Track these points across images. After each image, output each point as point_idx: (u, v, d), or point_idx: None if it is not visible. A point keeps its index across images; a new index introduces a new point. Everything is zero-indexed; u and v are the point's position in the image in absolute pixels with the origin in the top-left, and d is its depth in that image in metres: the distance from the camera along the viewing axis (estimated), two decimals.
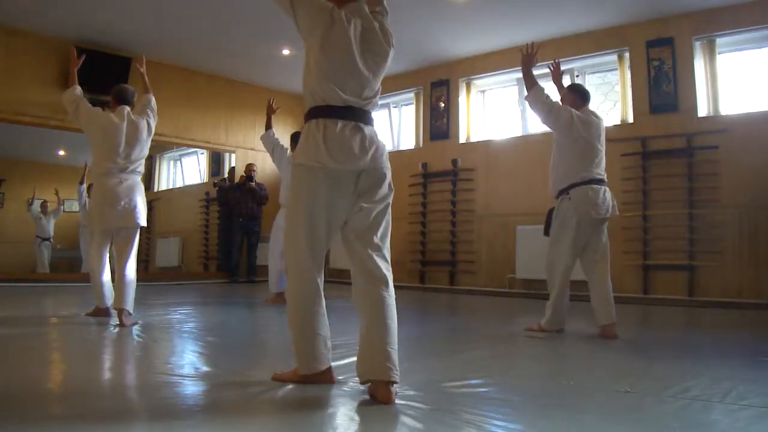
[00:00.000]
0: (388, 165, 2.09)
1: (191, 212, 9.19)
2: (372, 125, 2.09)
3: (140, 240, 3.86)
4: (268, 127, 5.02)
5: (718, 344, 3.44)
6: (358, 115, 2.03)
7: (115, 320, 3.70)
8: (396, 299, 2.09)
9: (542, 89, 3.68)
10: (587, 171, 3.55)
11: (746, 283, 5.28)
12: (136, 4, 5.88)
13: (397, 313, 2.06)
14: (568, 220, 3.57)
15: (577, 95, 3.75)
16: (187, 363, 2.53)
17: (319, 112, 2.01)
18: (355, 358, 2.05)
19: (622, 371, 2.58)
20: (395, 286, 2.13)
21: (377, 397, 1.91)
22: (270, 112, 4.99)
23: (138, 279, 3.81)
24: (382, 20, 2.13)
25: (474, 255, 7.03)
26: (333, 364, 2.16)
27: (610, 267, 3.63)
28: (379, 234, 2.05)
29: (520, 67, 3.84)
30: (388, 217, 2.10)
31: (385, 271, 2.03)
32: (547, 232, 3.78)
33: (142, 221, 3.76)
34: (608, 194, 3.61)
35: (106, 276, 3.85)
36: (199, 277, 8.34)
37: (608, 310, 3.48)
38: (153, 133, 3.90)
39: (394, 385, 1.94)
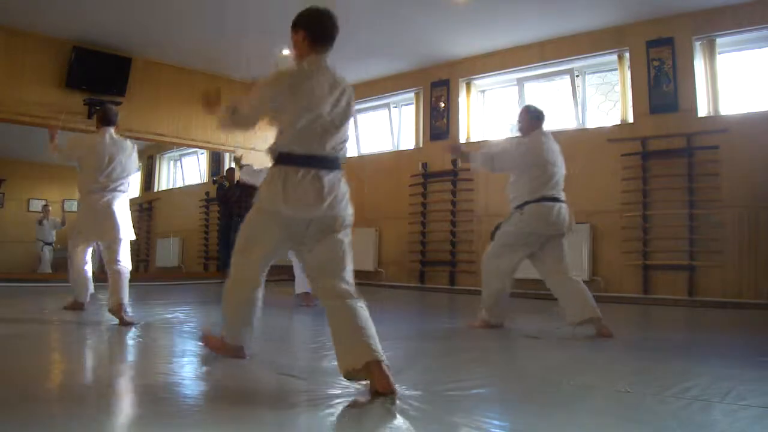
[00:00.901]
0: (348, 210, 2.20)
1: (191, 212, 9.19)
2: (336, 169, 2.18)
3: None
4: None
5: (718, 344, 3.44)
6: (321, 163, 2.14)
7: (116, 319, 3.71)
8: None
9: (475, 155, 3.94)
10: (539, 192, 3.64)
11: (746, 283, 5.28)
12: (136, 4, 5.87)
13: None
14: (518, 232, 3.67)
15: (531, 117, 3.86)
16: (187, 363, 2.53)
17: (282, 160, 2.15)
18: None
19: (622, 371, 2.58)
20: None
21: (375, 385, 1.94)
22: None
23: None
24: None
25: (474, 255, 7.02)
26: (333, 363, 2.17)
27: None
28: (337, 266, 2.15)
29: (451, 154, 4.28)
30: (345, 247, 2.18)
31: (348, 288, 2.13)
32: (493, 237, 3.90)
33: (125, 235, 3.92)
34: (564, 210, 3.67)
35: (87, 270, 4.04)
36: (199, 277, 8.33)
37: (589, 303, 3.47)
38: (136, 159, 4.11)
39: (389, 370, 1.98)
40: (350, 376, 2.02)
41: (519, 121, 3.90)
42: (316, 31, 2.19)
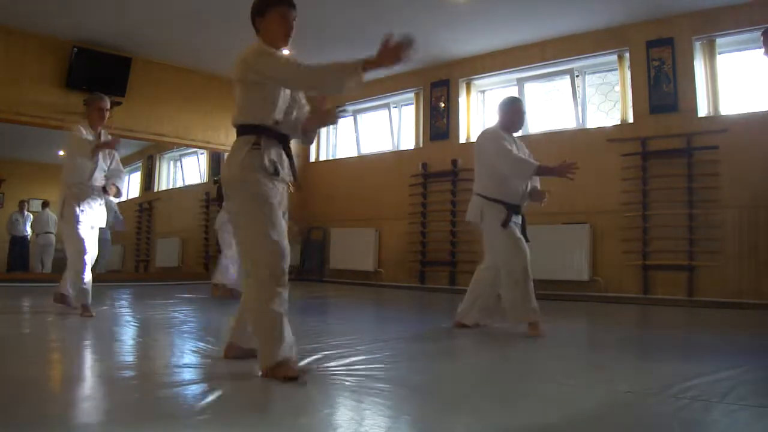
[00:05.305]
0: (228, 171, 2.32)
1: (191, 212, 9.18)
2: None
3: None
4: None
5: (718, 344, 3.44)
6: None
7: (115, 319, 3.71)
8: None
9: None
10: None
11: (746, 283, 5.28)
12: (136, 4, 5.88)
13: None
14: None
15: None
16: (187, 363, 2.53)
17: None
18: (354, 358, 2.07)
19: (622, 371, 2.58)
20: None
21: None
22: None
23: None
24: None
25: (474, 255, 7.02)
26: (333, 363, 2.18)
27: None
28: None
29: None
30: (233, 223, 2.39)
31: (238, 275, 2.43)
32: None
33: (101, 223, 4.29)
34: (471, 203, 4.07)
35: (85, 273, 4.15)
36: (199, 277, 8.33)
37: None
38: (118, 162, 4.43)
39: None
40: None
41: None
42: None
